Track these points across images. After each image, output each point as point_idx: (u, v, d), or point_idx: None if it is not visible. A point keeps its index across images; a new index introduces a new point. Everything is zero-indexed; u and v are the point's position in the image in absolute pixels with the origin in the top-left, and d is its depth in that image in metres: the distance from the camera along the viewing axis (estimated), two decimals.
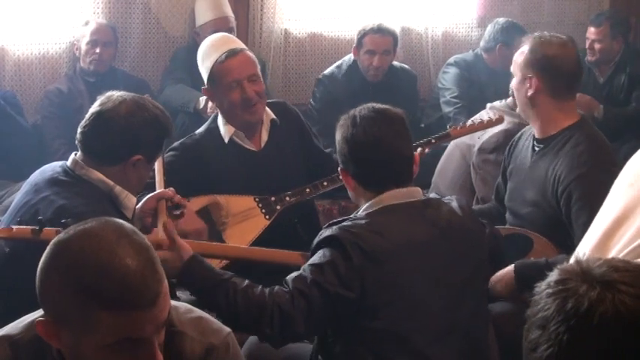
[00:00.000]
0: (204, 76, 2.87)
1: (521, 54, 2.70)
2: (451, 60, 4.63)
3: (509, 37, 4.46)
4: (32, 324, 1.42)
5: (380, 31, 4.18)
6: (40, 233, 1.95)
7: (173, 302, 1.57)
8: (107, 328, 1.28)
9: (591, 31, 4.79)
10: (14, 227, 1.98)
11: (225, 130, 2.89)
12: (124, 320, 1.28)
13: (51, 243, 1.34)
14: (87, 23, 4.01)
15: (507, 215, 2.79)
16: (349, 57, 4.37)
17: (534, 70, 2.65)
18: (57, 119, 3.85)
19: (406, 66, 4.54)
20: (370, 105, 2.14)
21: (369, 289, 1.91)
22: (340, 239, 1.93)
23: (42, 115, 3.95)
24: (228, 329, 1.59)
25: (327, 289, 1.90)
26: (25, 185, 2.30)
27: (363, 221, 1.98)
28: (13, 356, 1.45)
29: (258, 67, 2.88)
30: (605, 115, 4.55)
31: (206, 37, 4.00)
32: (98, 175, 2.21)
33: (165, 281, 1.35)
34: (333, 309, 1.91)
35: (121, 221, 1.39)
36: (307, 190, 2.88)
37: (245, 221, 2.80)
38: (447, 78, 4.55)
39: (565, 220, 2.54)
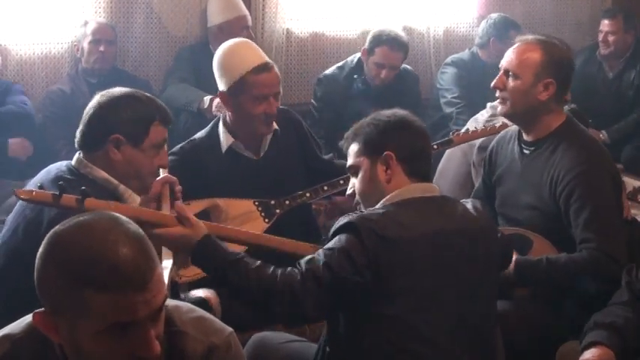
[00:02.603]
0: (227, 80, 2.84)
1: (529, 55, 2.62)
2: (448, 60, 4.64)
3: (502, 31, 4.49)
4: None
5: (395, 45, 4.15)
6: (59, 199, 1.97)
7: (175, 302, 1.58)
8: (99, 312, 1.29)
9: (605, 24, 4.81)
10: (35, 190, 2.00)
11: (224, 138, 2.91)
12: (116, 302, 1.29)
13: (48, 235, 1.37)
14: (86, 23, 4.02)
15: (500, 221, 2.77)
16: (352, 59, 4.35)
17: (552, 74, 2.61)
18: (59, 120, 3.86)
19: (408, 67, 4.52)
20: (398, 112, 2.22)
21: (383, 274, 1.92)
22: (356, 225, 1.95)
23: (44, 115, 3.96)
24: (230, 329, 1.59)
25: (338, 273, 1.91)
26: (30, 185, 2.30)
27: (381, 211, 2.02)
28: (14, 355, 1.45)
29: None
30: (610, 136, 4.59)
31: (224, 36, 4.04)
32: (102, 173, 2.22)
33: (160, 268, 1.36)
34: (343, 293, 1.93)
35: (116, 214, 1.40)
36: (307, 194, 2.91)
37: (244, 224, 2.80)
38: (446, 78, 4.55)
39: (564, 220, 2.55)
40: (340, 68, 4.35)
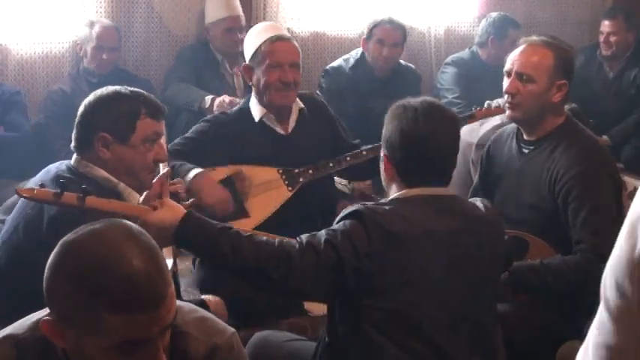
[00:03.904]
0: (248, 53, 2.99)
1: (542, 58, 2.60)
2: (448, 60, 4.65)
3: (501, 29, 4.50)
4: (37, 323, 1.42)
5: (391, 23, 4.25)
6: (60, 197, 1.96)
7: (177, 302, 1.58)
8: (112, 330, 1.28)
9: (606, 24, 4.81)
10: (36, 189, 1.99)
11: (257, 110, 2.98)
12: (130, 322, 1.28)
13: (59, 243, 1.34)
14: (92, 25, 3.99)
15: None
16: (356, 51, 4.40)
17: (563, 75, 2.61)
18: (59, 119, 3.83)
19: (412, 65, 4.55)
20: (429, 99, 2.14)
21: (384, 268, 1.92)
22: (363, 213, 1.96)
23: (44, 115, 3.96)
24: (232, 329, 1.59)
25: (339, 253, 1.90)
26: (30, 184, 2.30)
27: (387, 206, 2.01)
28: (17, 355, 1.45)
29: (301, 58, 3.00)
30: (613, 139, 4.60)
31: (218, 34, 4.16)
32: (101, 172, 2.22)
33: (172, 283, 1.35)
34: (341, 274, 1.91)
35: (129, 223, 1.39)
36: (331, 164, 2.97)
37: (267, 192, 2.89)
38: (446, 78, 4.56)
39: (562, 219, 2.54)
40: (345, 61, 4.39)
